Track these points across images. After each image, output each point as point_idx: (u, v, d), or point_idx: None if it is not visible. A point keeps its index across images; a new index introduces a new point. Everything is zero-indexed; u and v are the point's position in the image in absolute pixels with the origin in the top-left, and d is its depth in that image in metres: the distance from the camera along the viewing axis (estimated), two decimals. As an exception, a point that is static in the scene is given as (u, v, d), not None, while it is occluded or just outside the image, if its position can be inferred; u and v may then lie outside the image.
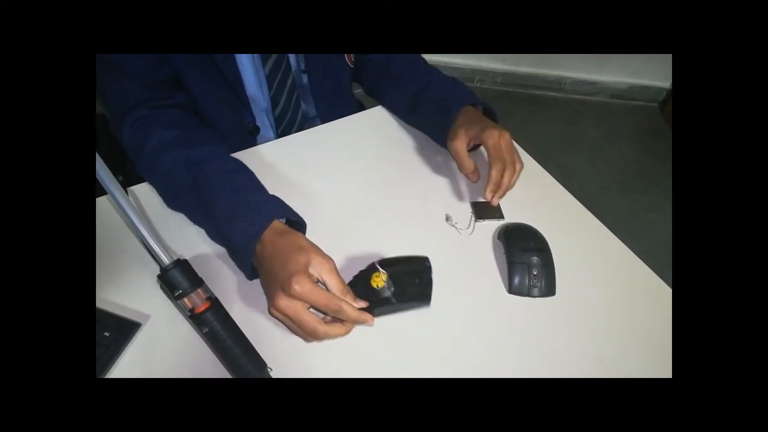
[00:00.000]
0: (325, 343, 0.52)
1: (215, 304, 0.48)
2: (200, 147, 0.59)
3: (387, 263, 0.54)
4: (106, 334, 0.50)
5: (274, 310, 0.48)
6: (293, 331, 0.50)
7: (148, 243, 0.46)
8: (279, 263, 0.48)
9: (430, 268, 0.56)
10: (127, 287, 0.55)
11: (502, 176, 0.63)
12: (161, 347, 0.51)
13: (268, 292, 0.50)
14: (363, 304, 0.50)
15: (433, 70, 0.77)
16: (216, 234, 0.57)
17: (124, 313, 0.52)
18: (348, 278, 0.56)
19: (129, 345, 0.50)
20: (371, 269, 0.53)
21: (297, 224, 0.56)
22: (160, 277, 0.47)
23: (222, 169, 0.57)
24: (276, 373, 0.49)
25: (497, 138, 0.63)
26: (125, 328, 0.51)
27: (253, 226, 0.51)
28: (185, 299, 0.46)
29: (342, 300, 0.48)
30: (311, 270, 0.48)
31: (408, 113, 0.77)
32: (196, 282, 0.47)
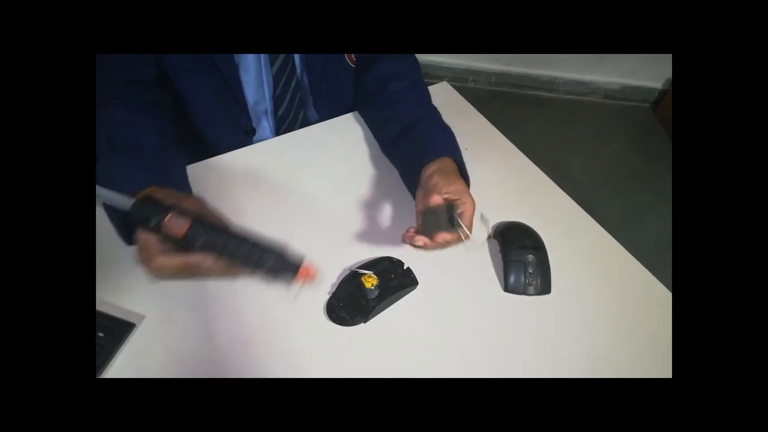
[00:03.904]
0: (321, 343, 0.52)
1: (199, 219, 0.43)
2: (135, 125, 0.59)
3: (363, 267, 0.56)
4: (101, 334, 0.49)
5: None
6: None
7: (105, 196, 0.42)
8: None
9: (399, 260, 0.58)
10: (121, 287, 0.54)
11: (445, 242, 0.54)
12: (156, 348, 0.50)
13: None
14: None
15: (429, 107, 0.71)
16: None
17: (119, 313, 0.52)
18: (339, 279, 0.56)
19: (123, 345, 0.50)
20: (354, 275, 0.55)
21: None
22: (127, 216, 0.43)
23: (134, 143, 0.58)
24: (271, 373, 0.49)
25: (471, 211, 0.56)
26: (119, 329, 0.50)
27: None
28: (164, 224, 0.42)
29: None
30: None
31: (389, 143, 0.71)
32: (168, 208, 0.43)
